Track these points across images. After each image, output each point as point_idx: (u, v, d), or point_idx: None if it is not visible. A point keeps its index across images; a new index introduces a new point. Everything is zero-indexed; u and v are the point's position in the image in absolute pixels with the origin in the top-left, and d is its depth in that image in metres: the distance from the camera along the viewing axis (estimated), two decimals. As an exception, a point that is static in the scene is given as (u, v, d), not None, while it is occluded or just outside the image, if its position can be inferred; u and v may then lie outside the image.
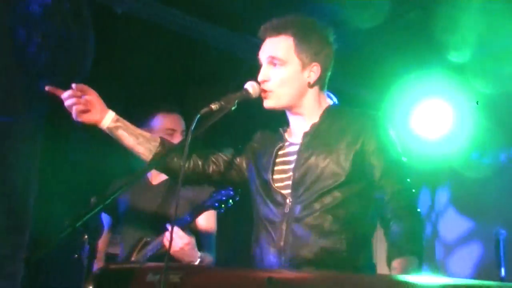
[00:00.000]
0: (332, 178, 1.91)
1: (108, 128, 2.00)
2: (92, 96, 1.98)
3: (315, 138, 1.98)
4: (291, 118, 2.07)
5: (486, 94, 4.05)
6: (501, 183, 4.09)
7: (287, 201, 1.95)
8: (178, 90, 3.72)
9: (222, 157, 2.13)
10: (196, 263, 2.53)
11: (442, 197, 4.53)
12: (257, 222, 2.04)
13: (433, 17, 3.40)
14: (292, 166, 1.98)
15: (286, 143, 2.06)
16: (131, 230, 2.76)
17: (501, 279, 3.24)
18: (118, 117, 2.02)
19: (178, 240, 2.48)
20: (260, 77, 1.98)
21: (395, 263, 1.79)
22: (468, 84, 4.10)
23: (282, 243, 1.92)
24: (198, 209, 2.60)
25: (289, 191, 1.96)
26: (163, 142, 2.06)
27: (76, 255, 1.64)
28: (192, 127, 1.75)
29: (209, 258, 2.71)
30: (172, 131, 2.83)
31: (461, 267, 4.26)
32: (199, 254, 2.58)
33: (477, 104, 3.89)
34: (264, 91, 1.97)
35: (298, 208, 1.93)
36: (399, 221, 1.85)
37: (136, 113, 2.74)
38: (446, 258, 4.41)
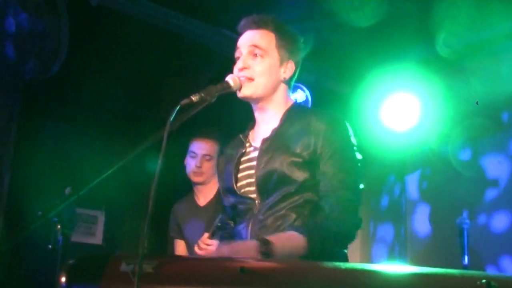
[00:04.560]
0: (291, 180, 1.93)
1: None
2: None
3: (274, 141, 2.00)
4: (258, 114, 2.09)
5: (453, 88, 4.16)
6: (467, 174, 4.20)
7: (256, 203, 1.99)
8: (152, 82, 3.73)
9: None
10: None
11: (411, 187, 4.63)
12: (229, 227, 2.13)
13: (403, 13, 3.47)
14: (253, 171, 2.01)
15: (250, 148, 2.08)
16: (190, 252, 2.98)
17: (464, 267, 3.34)
18: None
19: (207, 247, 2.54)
20: (240, 64, 2.00)
21: (286, 233, 1.85)
22: (435, 78, 4.21)
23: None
24: None
25: (255, 195, 2.00)
26: None
27: (50, 246, 1.64)
28: (171, 118, 1.73)
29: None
30: (210, 157, 3.13)
31: (427, 255, 4.38)
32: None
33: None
34: (243, 78, 1.98)
35: (264, 209, 1.96)
36: (325, 206, 1.90)
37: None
38: (413, 247, 4.52)
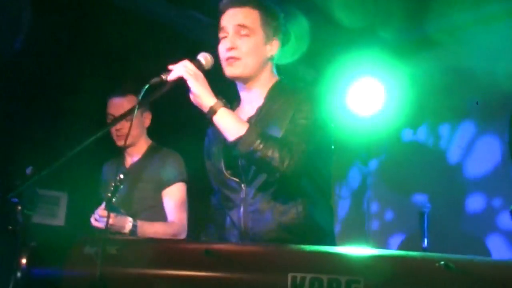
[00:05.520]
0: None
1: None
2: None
3: (259, 121, 2.00)
4: (243, 93, 2.09)
5: (415, 73, 4.23)
6: (429, 158, 4.29)
7: (242, 186, 1.98)
8: (118, 64, 3.67)
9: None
10: (128, 228, 2.59)
11: (373, 171, 4.71)
12: (219, 210, 2.10)
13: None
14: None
15: None
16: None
17: (424, 249, 3.44)
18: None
19: (101, 218, 2.54)
20: (228, 44, 1.98)
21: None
22: (399, 63, 4.28)
23: (243, 227, 1.96)
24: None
25: (242, 177, 1.99)
26: None
27: (10, 227, 1.61)
28: (140, 96, 1.73)
29: (160, 229, 2.76)
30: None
31: (389, 238, 4.47)
32: (130, 219, 2.63)
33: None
34: (231, 58, 1.97)
35: (251, 191, 1.96)
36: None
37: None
38: (375, 230, 4.60)
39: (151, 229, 2.70)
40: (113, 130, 2.93)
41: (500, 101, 3.81)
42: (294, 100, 1.97)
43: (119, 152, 3.04)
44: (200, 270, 1.50)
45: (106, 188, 2.93)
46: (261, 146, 1.83)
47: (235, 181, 2.01)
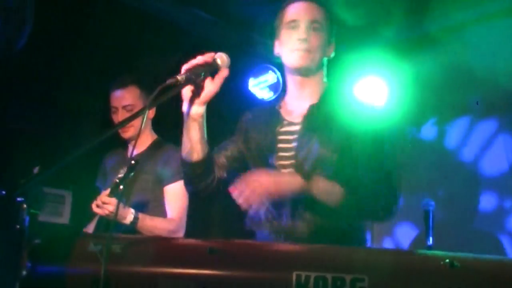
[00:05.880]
0: (327, 163, 1.94)
1: (191, 115, 1.88)
2: (216, 82, 1.84)
3: (314, 122, 2.00)
4: (296, 88, 2.07)
5: (418, 71, 4.23)
6: (432, 156, 4.29)
7: None
8: (122, 61, 3.67)
9: (220, 158, 2.08)
10: (129, 220, 2.57)
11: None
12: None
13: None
14: (292, 145, 1.99)
15: (285, 122, 2.06)
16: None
17: (429, 247, 3.43)
18: (205, 114, 1.90)
19: (105, 205, 2.51)
20: (303, 35, 1.99)
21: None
22: (402, 62, 4.27)
23: (286, 225, 1.93)
24: None
25: (291, 171, 1.96)
26: (211, 153, 2.01)
27: (18, 226, 1.61)
28: (153, 96, 1.66)
29: (160, 224, 2.74)
30: (132, 106, 2.89)
31: (393, 237, 4.47)
32: (132, 211, 2.61)
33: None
34: (302, 50, 1.99)
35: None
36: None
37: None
38: (379, 229, 4.60)
39: (151, 223, 2.68)
40: (116, 122, 2.92)
41: (502, 99, 3.82)
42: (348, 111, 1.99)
43: (121, 144, 3.02)
44: (204, 268, 1.50)
45: (106, 178, 2.94)
46: (360, 195, 1.88)
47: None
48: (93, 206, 2.57)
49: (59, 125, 3.63)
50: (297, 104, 2.08)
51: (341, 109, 2.01)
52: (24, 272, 1.51)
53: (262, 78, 4.34)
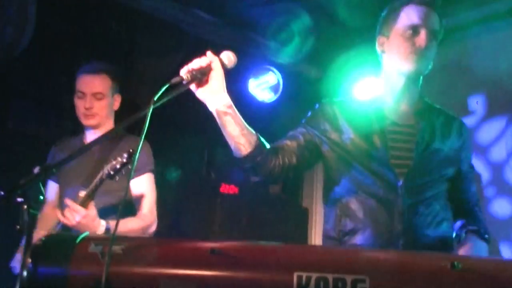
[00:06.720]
0: (450, 165, 1.96)
1: (217, 110, 1.82)
2: (217, 72, 1.79)
3: (432, 122, 2.01)
4: (402, 88, 2.05)
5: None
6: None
7: (399, 182, 1.90)
8: (123, 62, 3.67)
9: (290, 143, 2.02)
10: (100, 232, 2.42)
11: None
12: (349, 193, 1.96)
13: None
14: (408, 146, 1.95)
15: (389, 121, 2.02)
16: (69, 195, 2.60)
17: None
18: (231, 103, 1.84)
19: (73, 214, 2.38)
20: (423, 43, 2.00)
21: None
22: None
23: (399, 227, 1.87)
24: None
25: (405, 170, 1.91)
26: (260, 137, 1.94)
27: (18, 226, 1.61)
28: (157, 95, 1.62)
29: (133, 224, 2.61)
30: (102, 95, 2.75)
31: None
32: (102, 223, 2.46)
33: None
34: (424, 57, 2.02)
35: (410, 191, 1.89)
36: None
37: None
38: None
39: (124, 227, 2.47)
40: (81, 108, 2.74)
41: (504, 98, 3.83)
42: (460, 126, 2.09)
43: (74, 132, 2.87)
44: (205, 269, 1.49)
45: (67, 172, 2.69)
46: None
47: (395, 173, 1.91)
48: (59, 215, 2.45)
49: (59, 125, 3.62)
50: (396, 105, 2.06)
51: (450, 123, 2.11)
52: (25, 273, 1.51)
53: (262, 79, 4.34)
